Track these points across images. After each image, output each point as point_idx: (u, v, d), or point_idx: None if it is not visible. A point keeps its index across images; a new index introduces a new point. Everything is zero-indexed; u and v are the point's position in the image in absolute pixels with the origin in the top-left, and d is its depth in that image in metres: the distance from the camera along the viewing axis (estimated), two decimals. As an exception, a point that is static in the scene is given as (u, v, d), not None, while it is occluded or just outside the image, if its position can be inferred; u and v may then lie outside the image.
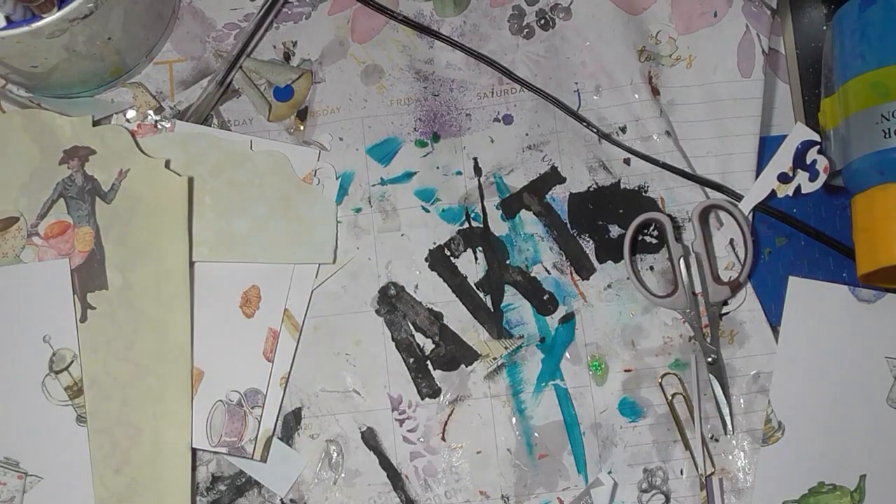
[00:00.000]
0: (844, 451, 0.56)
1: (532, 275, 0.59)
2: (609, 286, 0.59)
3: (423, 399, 0.58)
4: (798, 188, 0.57)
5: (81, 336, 0.56)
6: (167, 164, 0.58)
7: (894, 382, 0.56)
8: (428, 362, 0.58)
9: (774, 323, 0.58)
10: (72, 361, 0.56)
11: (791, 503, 0.55)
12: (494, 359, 0.58)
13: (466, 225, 0.60)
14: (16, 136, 0.58)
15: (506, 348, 0.58)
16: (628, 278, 0.58)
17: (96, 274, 0.57)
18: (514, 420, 0.57)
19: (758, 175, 0.58)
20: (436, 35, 0.61)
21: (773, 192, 0.58)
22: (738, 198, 0.58)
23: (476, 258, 0.59)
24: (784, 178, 0.57)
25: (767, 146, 0.60)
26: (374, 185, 0.60)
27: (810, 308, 0.57)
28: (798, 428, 0.56)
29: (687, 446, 0.57)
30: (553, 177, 0.60)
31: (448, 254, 0.59)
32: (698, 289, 0.57)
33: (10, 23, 0.54)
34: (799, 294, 0.57)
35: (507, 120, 0.61)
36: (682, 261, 0.58)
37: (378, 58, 0.61)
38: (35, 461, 0.56)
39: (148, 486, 0.55)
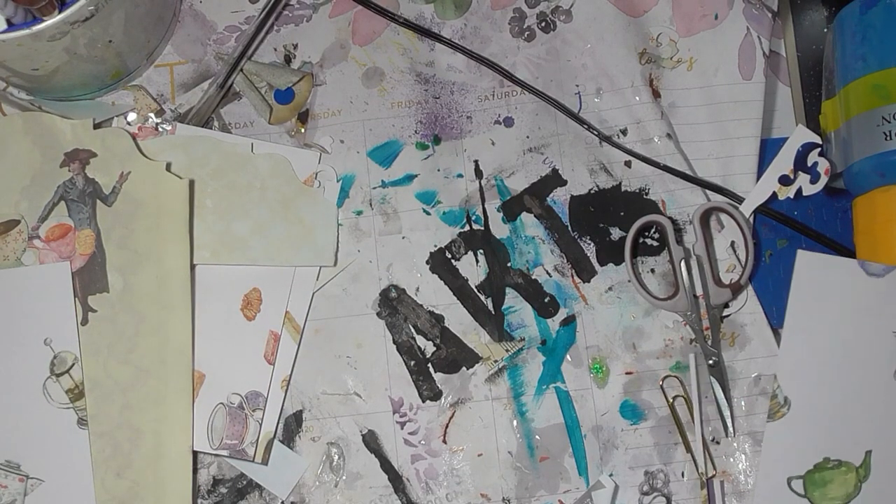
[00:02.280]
0: (850, 426, 0.54)
1: (533, 277, 0.59)
2: (610, 289, 0.59)
3: (424, 402, 0.58)
4: (799, 190, 0.57)
5: (82, 339, 0.56)
6: (168, 167, 0.58)
7: (903, 357, 0.55)
8: (429, 365, 0.58)
9: (775, 325, 0.58)
10: (73, 364, 0.56)
11: (796, 479, 0.54)
12: (495, 361, 0.58)
13: (467, 227, 0.60)
14: (17, 139, 0.58)
15: (507, 351, 0.58)
16: (629, 281, 0.58)
17: (97, 277, 0.57)
18: (515, 423, 0.57)
19: (759, 177, 0.58)
20: (437, 38, 0.61)
21: (774, 195, 0.58)
22: (740, 200, 0.58)
23: (477, 261, 0.59)
24: (785, 181, 0.57)
25: (768, 148, 0.60)
26: (374, 188, 0.60)
27: (819, 282, 0.55)
28: (804, 403, 0.54)
29: (688, 449, 0.57)
30: (554, 179, 0.60)
31: (449, 256, 0.59)
32: (699, 291, 0.57)
33: (11, 25, 0.54)
34: (807, 267, 0.55)
35: (508, 122, 0.61)
36: (683, 263, 0.58)
37: (379, 60, 0.61)
38: (36, 464, 0.56)
39: (149, 488, 0.55)
